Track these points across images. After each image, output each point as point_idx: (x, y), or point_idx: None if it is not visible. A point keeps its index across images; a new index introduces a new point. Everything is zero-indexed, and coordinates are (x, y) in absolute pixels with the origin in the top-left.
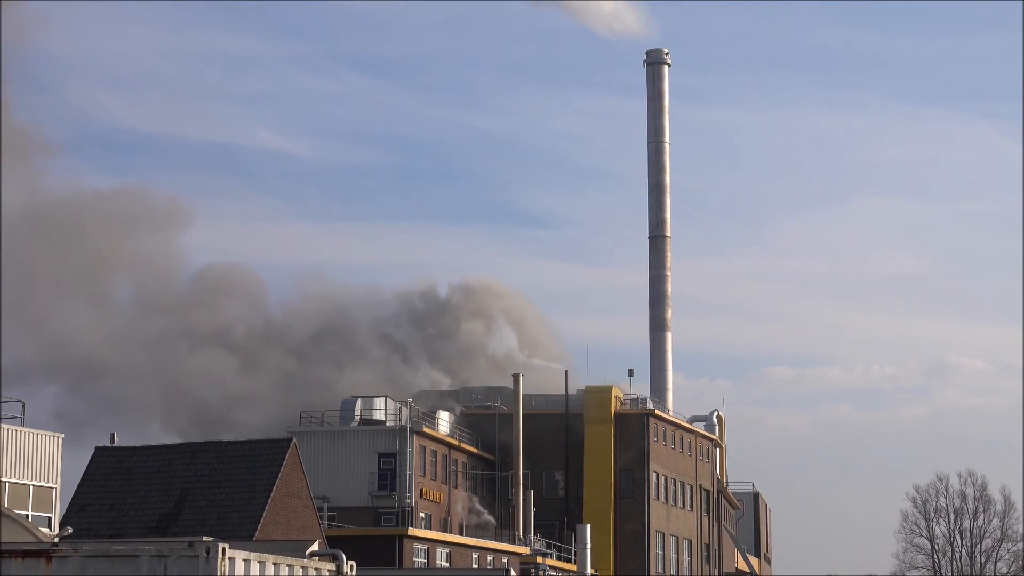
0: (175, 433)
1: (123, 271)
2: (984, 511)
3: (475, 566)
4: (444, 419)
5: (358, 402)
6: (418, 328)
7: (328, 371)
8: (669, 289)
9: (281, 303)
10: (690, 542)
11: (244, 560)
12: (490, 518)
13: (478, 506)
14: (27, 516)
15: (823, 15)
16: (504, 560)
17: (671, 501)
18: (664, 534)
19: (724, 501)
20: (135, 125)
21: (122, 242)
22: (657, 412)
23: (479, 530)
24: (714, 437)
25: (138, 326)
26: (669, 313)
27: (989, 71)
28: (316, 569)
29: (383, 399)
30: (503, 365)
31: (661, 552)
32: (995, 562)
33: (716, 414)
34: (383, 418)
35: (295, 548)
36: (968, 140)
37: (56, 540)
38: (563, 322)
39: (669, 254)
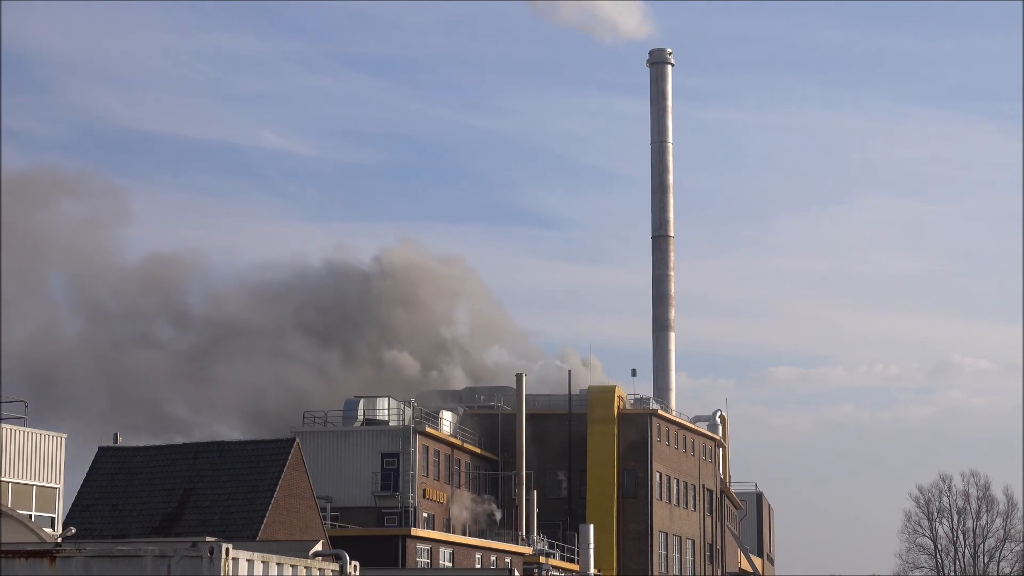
0: (127, 436)
1: (54, 263)
2: (987, 511)
3: (478, 566)
4: (447, 419)
5: (361, 402)
6: (358, 314)
7: (273, 364)
8: (672, 289)
9: (218, 295)
10: (693, 542)
11: (248, 560)
12: (493, 517)
13: (481, 506)
14: (30, 516)
15: (825, 15)
16: (507, 560)
17: (674, 501)
18: (667, 534)
19: (727, 501)
20: (136, 124)
21: (45, 231)
22: (660, 412)
23: (482, 530)
24: (717, 437)
25: (71, 322)
26: (672, 313)
27: (990, 71)
28: (319, 569)
29: (386, 399)
30: (451, 351)
31: (664, 552)
32: (998, 562)
33: (719, 414)
34: (386, 418)
35: (298, 548)
36: (970, 140)
37: (59, 540)
38: (565, 322)
39: (672, 254)
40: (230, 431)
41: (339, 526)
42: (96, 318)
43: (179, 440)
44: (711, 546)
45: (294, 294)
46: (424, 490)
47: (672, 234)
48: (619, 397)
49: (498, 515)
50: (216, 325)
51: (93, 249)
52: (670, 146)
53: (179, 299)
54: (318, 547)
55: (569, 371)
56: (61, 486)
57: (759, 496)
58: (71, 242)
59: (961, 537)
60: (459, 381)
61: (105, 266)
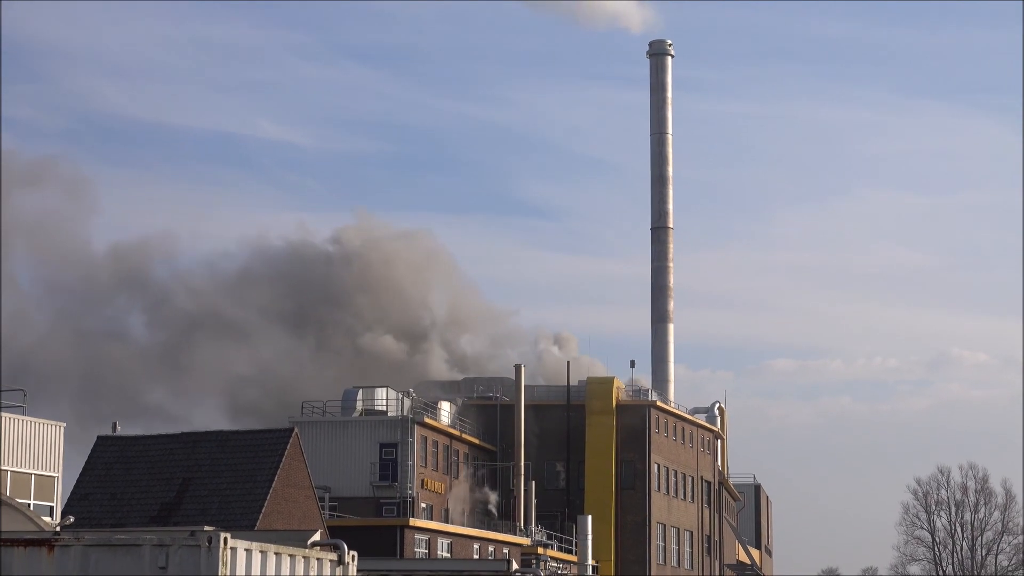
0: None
1: (19, 250)
2: (985, 504)
3: (476, 557)
4: (446, 409)
5: (360, 392)
6: (328, 297)
7: (248, 351)
8: (671, 280)
9: (190, 282)
10: (691, 533)
11: (246, 550)
12: (492, 508)
13: (479, 497)
14: (29, 505)
15: (825, 9)
16: (505, 551)
17: (672, 492)
18: (665, 525)
19: (725, 493)
20: (135, 114)
21: (9, 218)
22: (659, 403)
23: (480, 521)
24: (715, 429)
25: (40, 312)
26: (671, 304)
27: (989, 64)
28: (318, 559)
29: (385, 389)
30: (430, 333)
31: (662, 543)
32: (996, 555)
33: (717, 405)
34: (384, 408)
35: (297, 538)
36: (969, 133)
37: (58, 529)
38: (564, 313)
39: (671, 245)
40: (209, 420)
41: (337, 516)
42: (66, 307)
43: (161, 431)
44: (709, 538)
45: (260, 279)
46: (422, 480)
47: (671, 226)
48: (618, 388)
49: (496, 505)
50: (187, 313)
51: (61, 237)
52: (670, 137)
53: (149, 287)
54: (316, 537)
55: (568, 362)
56: (60, 475)
57: (757, 488)
58: (37, 230)
59: (959, 530)
60: (439, 362)
61: (74, 254)
